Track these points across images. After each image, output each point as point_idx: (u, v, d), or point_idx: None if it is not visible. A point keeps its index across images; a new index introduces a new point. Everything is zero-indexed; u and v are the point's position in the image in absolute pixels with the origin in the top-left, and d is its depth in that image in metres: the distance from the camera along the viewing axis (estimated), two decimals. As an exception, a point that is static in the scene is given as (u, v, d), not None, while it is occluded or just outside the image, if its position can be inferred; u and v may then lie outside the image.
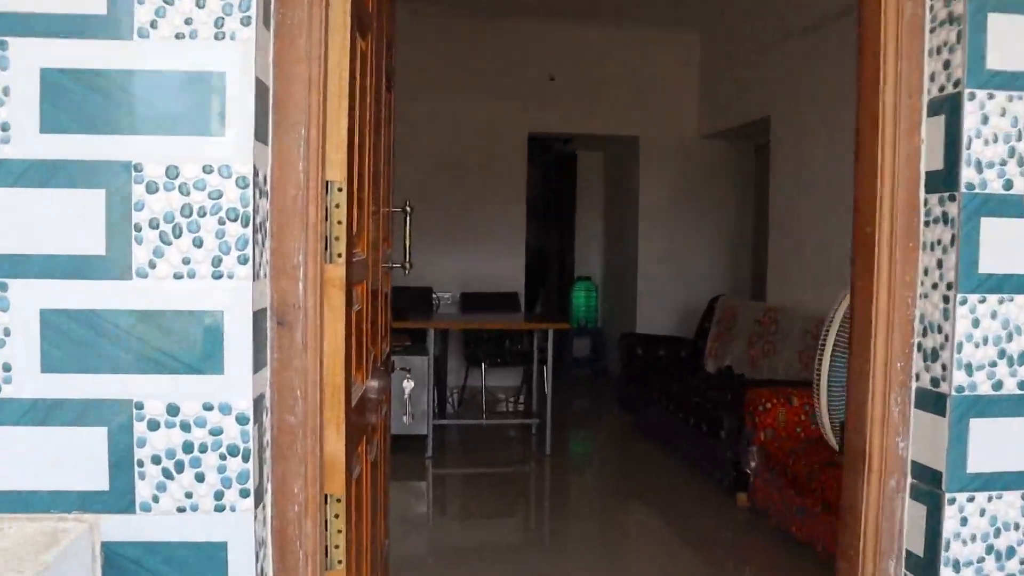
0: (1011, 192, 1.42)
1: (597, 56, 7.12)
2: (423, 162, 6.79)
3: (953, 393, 1.42)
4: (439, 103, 6.87)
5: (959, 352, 1.42)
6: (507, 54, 7.00)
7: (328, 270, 1.27)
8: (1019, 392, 1.46)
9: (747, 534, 4.09)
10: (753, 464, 4.07)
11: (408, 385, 2.52)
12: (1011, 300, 1.44)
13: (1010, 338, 1.44)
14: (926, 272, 1.47)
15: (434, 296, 6.80)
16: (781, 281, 5.92)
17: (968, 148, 1.40)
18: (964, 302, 1.41)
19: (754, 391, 4.14)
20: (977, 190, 1.40)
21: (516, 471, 5.32)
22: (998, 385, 1.45)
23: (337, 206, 1.25)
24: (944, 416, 1.43)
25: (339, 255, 1.27)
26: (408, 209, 2.21)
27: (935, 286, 1.45)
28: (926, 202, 1.47)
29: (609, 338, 8.22)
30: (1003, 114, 1.42)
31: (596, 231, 8.76)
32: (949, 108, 1.42)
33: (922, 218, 1.48)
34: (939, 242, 1.44)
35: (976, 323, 1.42)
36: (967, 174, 1.40)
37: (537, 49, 7.05)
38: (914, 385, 1.51)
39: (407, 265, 2.20)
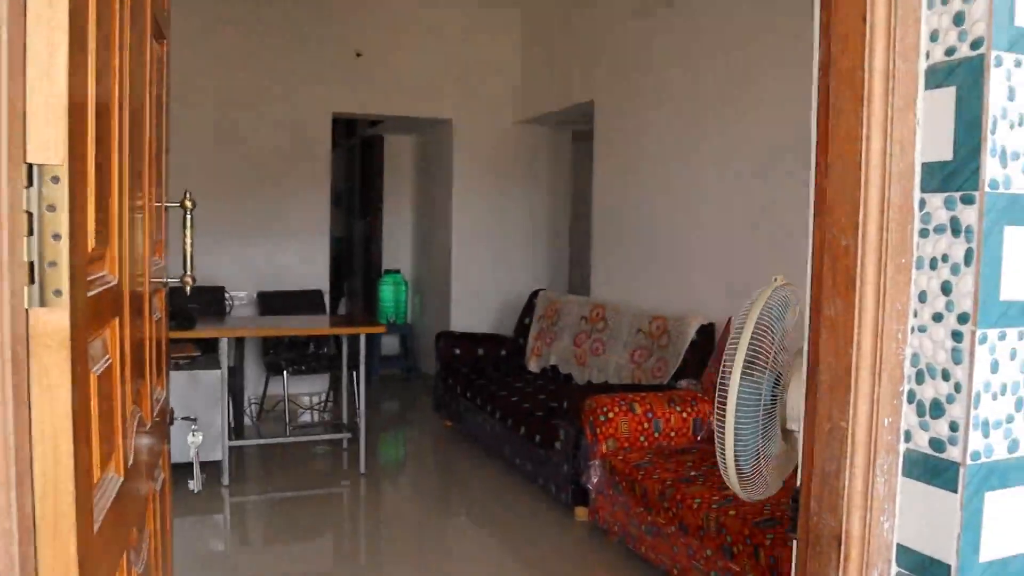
0: (1031, 192, 1.08)
1: (408, 32, 6.59)
2: (209, 145, 6.00)
3: (969, 462, 1.06)
4: (229, 78, 6.08)
5: (976, 407, 1.05)
6: (308, 26, 6.31)
7: (37, 318, 0.71)
8: (1033, 452, 1.13)
9: (590, 552, 3.76)
10: (595, 479, 3.73)
11: (195, 441, 1.91)
12: (1029, 334, 1.10)
13: (1026, 384, 1.11)
14: (922, 298, 1.10)
15: (227, 296, 6.03)
16: (607, 275, 5.67)
17: (993, 133, 1.03)
18: (984, 340, 1.05)
19: (593, 399, 3.81)
20: (1001, 189, 1.04)
21: (327, 492, 4.73)
22: (1014, 446, 1.10)
23: (51, 208, 0.69)
24: (955, 491, 1.07)
25: (57, 292, 0.71)
26: (188, 204, 1.61)
27: (938, 317, 1.08)
28: (923, 204, 1.10)
29: (421, 335, 7.74)
30: (1029, 88, 1.07)
31: (406, 221, 8.23)
32: (964, 78, 1.05)
33: (917, 226, 1.10)
34: (945, 258, 1.07)
35: (995, 367, 1.06)
36: (990, 168, 1.03)
37: (342, 22, 6.41)
38: (902, 448, 1.14)
39: (188, 280, 1.61)
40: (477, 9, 6.75)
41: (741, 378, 1.80)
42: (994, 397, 1.07)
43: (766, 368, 1.85)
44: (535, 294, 6.16)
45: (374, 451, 5.37)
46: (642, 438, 3.75)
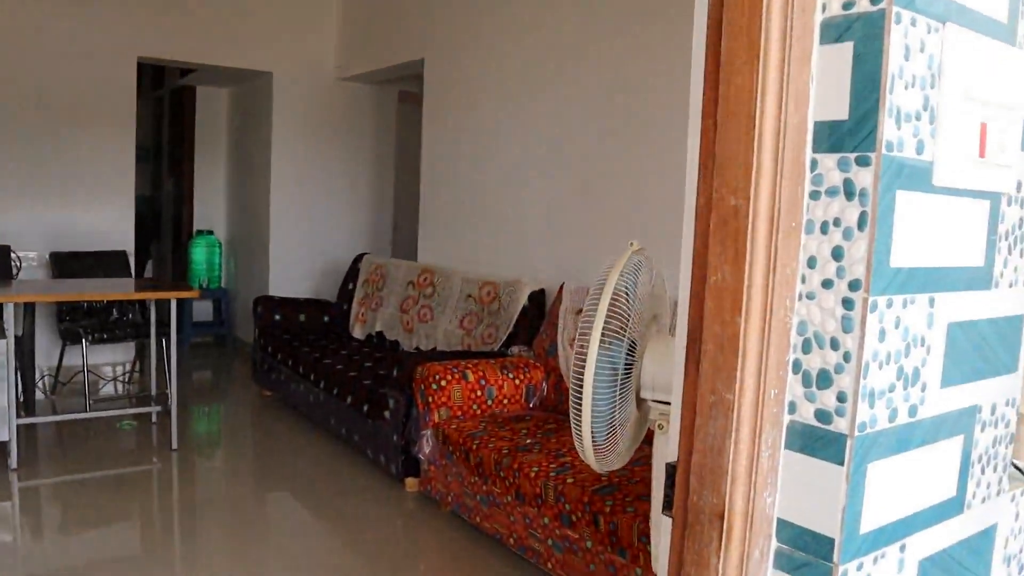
0: (921, 157, 1.05)
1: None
2: (-7, 85, 5.34)
3: (856, 433, 1.02)
4: (13, 12, 5.40)
5: (865, 377, 1.02)
6: (107, -42, 5.71)
7: None
8: (908, 420, 1.11)
9: (421, 524, 3.66)
10: (427, 449, 3.63)
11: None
12: (913, 302, 1.08)
13: (908, 352, 1.09)
14: (811, 264, 1.05)
15: (13, 257, 5.40)
16: (435, 239, 5.55)
17: (891, 92, 0.99)
18: (875, 307, 1.01)
19: (425, 366, 3.69)
20: (895, 152, 1.00)
21: (135, 472, 4.35)
22: (894, 415, 1.09)
23: None
24: (840, 464, 1.03)
25: None
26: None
27: (828, 284, 1.03)
28: (815, 165, 1.04)
29: (236, 300, 7.32)
30: (922, 48, 1.04)
31: (219, 179, 7.72)
32: (863, 33, 1.00)
33: (808, 188, 1.05)
34: (837, 222, 1.02)
35: (883, 336, 1.03)
36: (888, 129, 0.99)
37: (147, -43, 5.85)
38: (786, 420, 1.09)
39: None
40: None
41: (598, 347, 1.74)
42: (880, 367, 1.04)
43: (622, 337, 1.80)
44: (359, 258, 5.95)
45: (186, 425, 5.01)
46: (475, 406, 3.68)
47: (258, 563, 3.31)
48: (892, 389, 1.07)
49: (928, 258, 1.09)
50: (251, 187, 7.04)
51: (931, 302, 1.11)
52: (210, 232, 7.32)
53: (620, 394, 1.74)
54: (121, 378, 5.87)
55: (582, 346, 1.74)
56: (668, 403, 1.82)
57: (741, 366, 1.06)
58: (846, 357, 1.02)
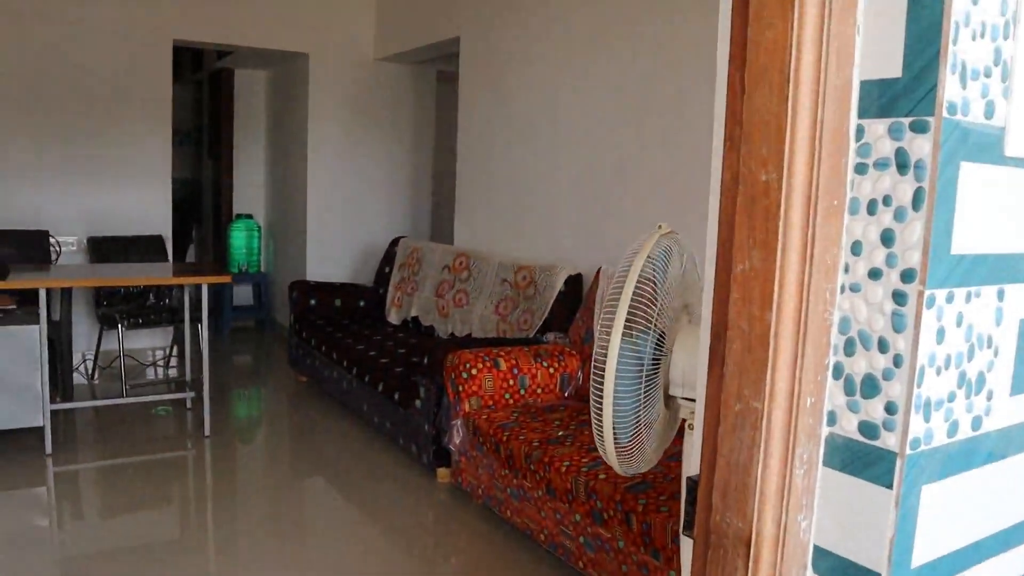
0: (991, 122, 0.88)
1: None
2: (27, 72, 5.33)
3: (908, 451, 0.87)
4: (50, -6, 5.39)
5: (919, 385, 0.86)
6: (142, -61, 5.66)
7: None
8: (972, 433, 0.95)
9: (452, 516, 3.55)
10: (458, 440, 3.51)
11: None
12: (978, 296, 0.91)
13: (971, 355, 0.92)
14: (855, 250, 0.89)
15: (52, 242, 5.41)
16: (470, 223, 5.42)
17: (954, 43, 0.82)
18: (932, 302, 0.85)
19: (455, 354, 3.57)
20: (960, 116, 0.84)
21: (170, 457, 4.32)
22: (953, 429, 0.92)
23: None
24: (889, 487, 0.88)
25: None
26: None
27: (876, 274, 0.87)
28: (860, 133, 0.88)
29: (275, 284, 7.29)
30: (994, -11, 0.87)
31: (258, 162, 7.68)
32: (921, -29, 0.84)
33: (852, 160, 0.89)
34: (887, 201, 0.86)
35: (941, 336, 0.87)
36: (950, 87, 0.82)
37: (182, -63, 5.79)
38: (824, 432, 0.94)
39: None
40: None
41: (621, 339, 1.59)
42: (938, 372, 0.88)
43: (649, 328, 1.65)
44: (395, 241, 5.84)
45: (222, 410, 4.97)
46: (507, 395, 3.55)
47: (291, 550, 3.24)
48: (952, 398, 0.91)
49: (997, 243, 0.92)
50: (289, 170, 6.98)
51: (1000, 295, 0.94)
52: (249, 216, 7.29)
53: (646, 391, 1.59)
54: (159, 363, 5.86)
55: (603, 338, 1.59)
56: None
57: (772, 369, 0.90)
58: (897, 361, 0.86)
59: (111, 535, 3.41)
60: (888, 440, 0.87)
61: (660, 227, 1.70)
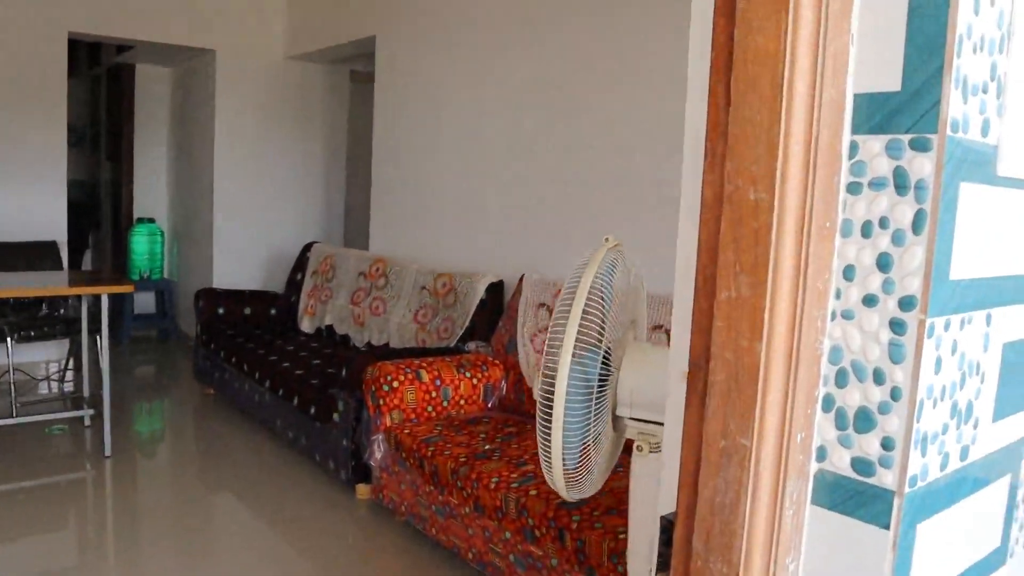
0: (986, 141, 0.84)
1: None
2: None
3: (907, 489, 0.81)
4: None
5: (919, 418, 0.81)
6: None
7: None
8: (960, 464, 0.91)
9: (374, 534, 3.42)
10: (379, 455, 3.38)
11: None
12: (970, 322, 0.87)
13: (963, 384, 0.88)
14: (848, 275, 0.83)
15: (-69, 247, 5.02)
16: (387, 228, 5.28)
17: (959, 56, 0.77)
18: (932, 332, 0.80)
19: (376, 366, 3.44)
20: (960, 134, 0.79)
21: (67, 479, 4.04)
22: (945, 461, 0.88)
23: None
24: (886, 527, 0.82)
25: None
26: None
27: (871, 301, 0.81)
28: (854, 149, 0.82)
29: (180, 291, 6.98)
30: (992, 3, 0.82)
31: (161, 164, 7.34)
32: (922, -22, 0.78)
33: (845, 178, 0.83)
34: (884, 223, 0.80)
35: (939, 366, 0.82)
36: (954, 103, 0.77)
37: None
38: (813, 468, 0.88)
39: None
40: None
41: (571, 359, 1.52)
42: (934, 404, 0.83)
43: (597, 346, 1.58)
44: (308, 247, 5.65)
45: (124, 427, 4.70)
46: (430, 408, 3.45)
47: (201, 573, 3.06)
48: (945, 430, 0.86)
49: (987, 267, 0.88)
50: (194, 172, 6.69)
51: (988, 320, 0.90)
52: (151, 220, 6.95)
53: (595, 413, 1.52)
54: (54, 377, 5.52)
55: (551, 358, 1.51)
56: (649, 422, 1.61)
57: (761, 404, 0.83)
58: (894, 394, 0.80)
59: (2, 565, 3.15)
60: (885, 478, 0.81)
61: (607, 240, 1.63)
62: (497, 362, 3.70)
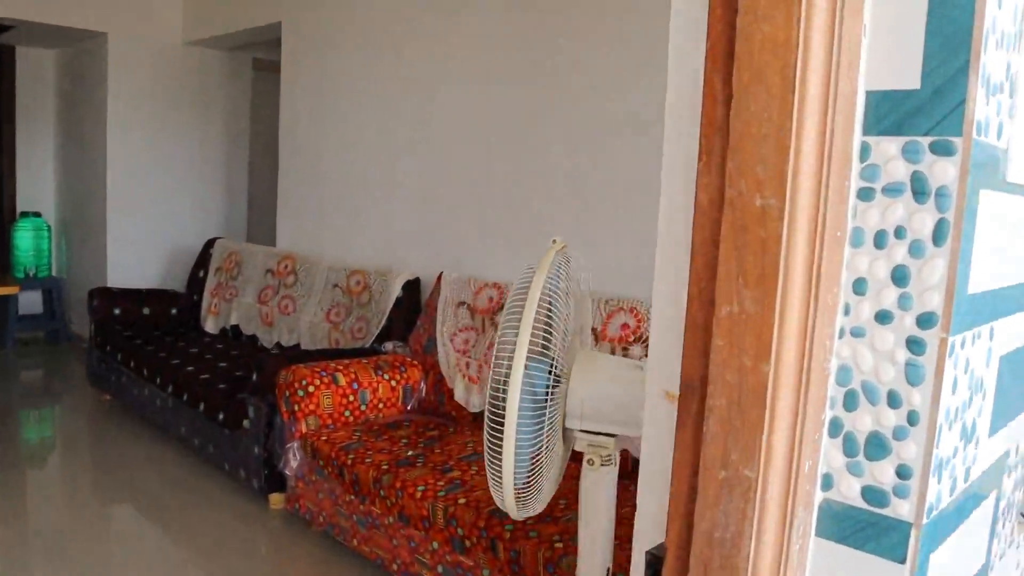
0: (998, 143, 0.78)
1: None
2: None
3: (925, 520, 0.75)
4: None
5: (938, 443, 0.75)
6: None
7: None
8: (964, 485, 0.85)
9: (290, 546, 3.25)
10: (294, 464, 3.22)
11: None
12: (979, 337, 0.81)
13: (971, 402, 0.82)
14: (859, 289, 0.77)
15: None
16: (295, 223, 5.07)
17: (985, 52, 0.71)
18: (952, 351, 0.74)
19: (289, 369, 3.28)
20: (982, 137, 0.73)
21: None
22: (954, 486, 0.82)
23: None
24: (901, 561, 0.76)
25: None
26: None
27: (884, 317, 0.75)
28: (866, 152, 0.75)
29: (70, 290, 6.57)
30: (1014, -10, 0.77)
31: (47, 154, 6.88)
32: (947, -37, 0.72)
33: (855, 183, 0.76)
34: (900, 233, 0.73)
35: (955, 386, 0.76)
36: (979, 103, 0.71)
37: None
38: (818, 498, 0.81)
39: None
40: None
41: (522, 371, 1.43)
42: (950, 427, 0.77)
43: (544, 354, 1.50)
44: (211, 243, 5.39)
45: (8, 436, 4.36)
46: (347, 412, 3.30)
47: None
48: (955, 453, 0.80)
49: (995, 278, 0.82)
50: (84, 163, 6.29)
51: (991, 334, 0.85)
52: (37, 214, 6.51)
53: (547, 428, 1.44)
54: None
55: (500, 371, 1.42)
56: (601, 434, 1.53)
57: (769, 431, 0.76)
58: (912, 418, 0.74)
59: None
60: (900, 508, 0.75)
61: (555, 242, 1.54)
62: (416, 363, 3.58)
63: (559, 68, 3.41)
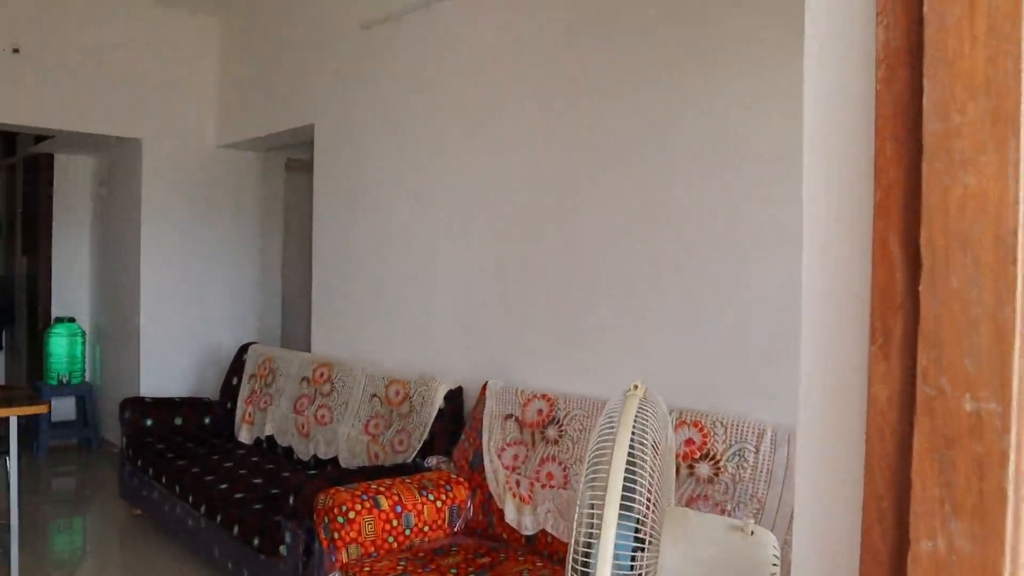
0: None
1: (83, 27, 5.44)
2: None
3: None
4: None
5: None
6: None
7: None
8: None
9: None
10: (334, 596, 2.99)
11: None
12: None
13: None
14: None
15: None
16: (330, 328, 4.94)
17: None
18: None
19: (328, 493, 3.07)
20: None
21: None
22: None
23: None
24: None
25: None
26: None
27: None
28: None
29: (103, 396, 6.47)
30: None
31: (82, 259, 6.89)
32: None
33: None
34: None
35: None
36: None
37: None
38: None
39: None
40: (166, 11, 5.75)
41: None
42: None
43: (631, 513, 1.29)
44: (244, 348, 5.26)
45: (37, 552, 4.18)
46: (391, 539, 3.08)
47: None
48: None
49: None
50: (118, 268, 6.26)
51: None
52: (71, 319, 6.47)
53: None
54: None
55: (580, 538, 1.21)
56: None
57: None
58: None
59: None
60: None
61: (635, 387, 1.35)
62: (461, 480, 3.36)
63: (618, 160, 3.28)
